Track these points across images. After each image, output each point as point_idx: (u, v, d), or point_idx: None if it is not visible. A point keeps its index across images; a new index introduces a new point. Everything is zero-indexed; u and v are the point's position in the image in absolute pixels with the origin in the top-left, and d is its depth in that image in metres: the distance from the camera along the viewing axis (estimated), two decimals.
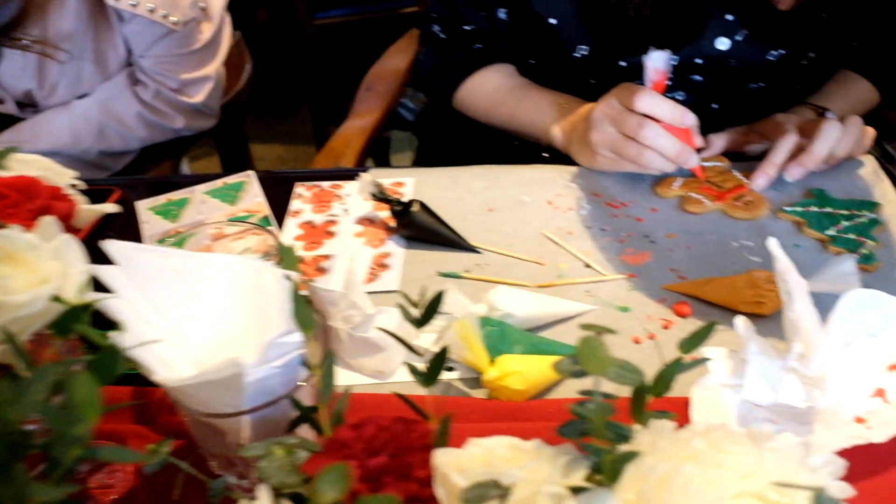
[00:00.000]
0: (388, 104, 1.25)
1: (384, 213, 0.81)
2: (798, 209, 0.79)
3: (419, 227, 0.78)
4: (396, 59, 1.37)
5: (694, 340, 0.49)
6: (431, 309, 0.49)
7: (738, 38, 0.88)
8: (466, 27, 1.01)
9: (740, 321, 0.54)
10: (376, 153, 1.84)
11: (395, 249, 0.78)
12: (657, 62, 0.77)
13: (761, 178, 0.82)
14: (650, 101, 0.77)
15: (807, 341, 0.53)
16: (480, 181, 0.87)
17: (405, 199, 0.82)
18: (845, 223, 0.76)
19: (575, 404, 0.40)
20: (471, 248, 0.77)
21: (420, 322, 0.49)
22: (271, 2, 2.74)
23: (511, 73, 1.04)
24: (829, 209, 0.78)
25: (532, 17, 0.93)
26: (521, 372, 0.59)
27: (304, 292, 0.70)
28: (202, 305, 0.52)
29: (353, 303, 0.64)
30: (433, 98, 1.13)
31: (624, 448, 0.42)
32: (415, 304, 0.49)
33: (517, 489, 0.35)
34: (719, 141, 0.88)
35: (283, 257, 0.54)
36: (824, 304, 0.57)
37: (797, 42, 0.88)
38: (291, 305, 0.49)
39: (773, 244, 0.52)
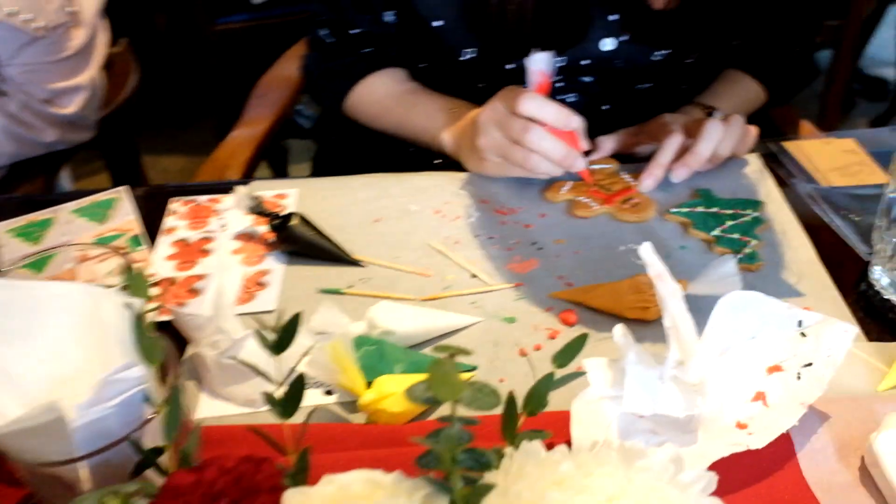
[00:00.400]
0: (279, 112, 1.20)
1: (264, 228, 0.77)
2: (684, 210, 0.78)
3: (299, 242, 0.74)
4: (290, 65, 1.32)
5: (566, 354, 0.47)
6: (288, 333, 0.45)
7: (623, 38, 0.87)
8: (353, 31, 0.97)
9: (618, 329, 0.53)
10: (274, 163, 1.79)
11: (275, 266, 0.74)
12: (539, 64, 0.76)
13: (648, 180, 0.81)
14: (534, 104, 0.75)
15: (685, 348, 0.52)
16: (367, 191, 0.84)
17: (287, 211, 0.78)
18: (730, 223, 0.76)
19: (429, 434, 0.38)
20: (354, 262, 0.74)
21: (277, 348, 0.46)
22: (170, 7, 2.64)
23: (402, 79, 1.01)
24: (714, 209, 0.78)
25: (417, 19, 0.90)
26: (399, 393, 0.56)
27: (166, 317, 0.65)
28: (34, 340, 0.47)
29: (219, 327, 0.59)
30: (323, 105, 1.09)
31: (489, 476, 0.39)
32: (271, 329, 0.46)
33: None
34: (608, 143, 0.87)
35: (130, 282, 0.50)
36: (710, 306, 0.56)
37: (680, 42, 0.88)
38: (134, 336, 0.45)
39: (644, 250, 0.51)
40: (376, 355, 0.59)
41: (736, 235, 0.74)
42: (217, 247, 0.77)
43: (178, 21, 2.62)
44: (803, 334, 0.56)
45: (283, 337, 0.44)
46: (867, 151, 0.88)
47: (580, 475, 0.38)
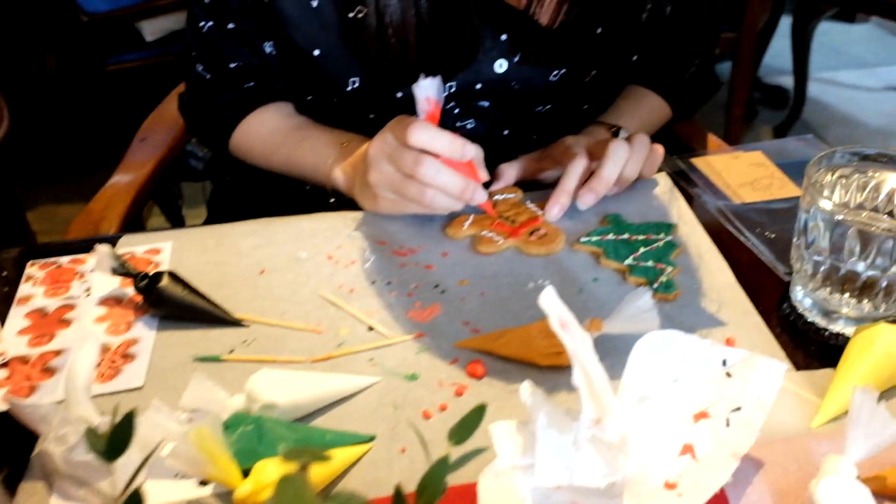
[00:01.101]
0: (163, 155, 1.11)
1: (132, 291, 0.68)
2: (594, 238, 0.73)
3: (170, 304, 0.65)
4: (175, 105, 1.23)
5: (463, 430, 0.40)
6: (121, 436, 0.37)
7: (516, 59, 0.82)
8: (232, 64, 0.90)
9: (525, 388, 0.46)
10: (167, 210, 1.68)
11: (144, 334, 0.65)
12: (427, 90, 0.70)
13: (554, 209, 0.76)
14: (425, 134, 0.69)
15: (600, 403, 0.46)
16: (251, 239, 0.76)
17: (160, 269, 0.70)
18: (643, 249, 0.71)
19: None
20: (235, 322, 0.66)
21: (109, 453, 0.37)
22: (60, 48, 2.49)
23: (289, 113, 0.93)
24: (626, 235, 0.73)
25: (296, 50, 0.83)
26: None
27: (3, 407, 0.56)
28: None
29: (65, 417, 0.50)
30: (207, 145, 1.01)
31: None
32: (101, 434, 0.38)
33: None
34: (510, 171, 0.82)
35: None
36: (627, 344, 0.50)
37: (575, 60, 0.83)
38: None
39: (543, 300, 0.45)
40: (255, 436, 0.51)
41: (650, 263, 0.69)
42: (79, 315, 0.68)
43: (68, 62, 2.48)
44: (729, 374, 0.51)
45: (114, 441, 0.36)
46: (775, 163, 0.85)
47: None
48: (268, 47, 0.88)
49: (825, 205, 0.59)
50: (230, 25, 0.86)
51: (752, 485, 0.49)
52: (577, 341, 0.45)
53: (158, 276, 0.66)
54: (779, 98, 2.78)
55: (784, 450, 0.51)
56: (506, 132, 0.90)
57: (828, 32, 3.13)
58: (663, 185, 0.82)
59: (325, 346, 0.63)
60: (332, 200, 0.85)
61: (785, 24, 2.70)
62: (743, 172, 0.82)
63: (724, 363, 0.52)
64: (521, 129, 0.90)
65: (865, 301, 0.61)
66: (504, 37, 0.81)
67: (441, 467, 0.38)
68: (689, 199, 0.80)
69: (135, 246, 0.75)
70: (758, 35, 2.21)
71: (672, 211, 0.78)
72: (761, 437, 0.49)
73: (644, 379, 0.51)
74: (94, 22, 2.07)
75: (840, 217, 0.58)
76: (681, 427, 0.50)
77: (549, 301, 0.45)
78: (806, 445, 0.52)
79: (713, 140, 1.00)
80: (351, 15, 0.79)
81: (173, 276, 0.66)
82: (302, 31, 0.81)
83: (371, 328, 0.65)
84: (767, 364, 0.50)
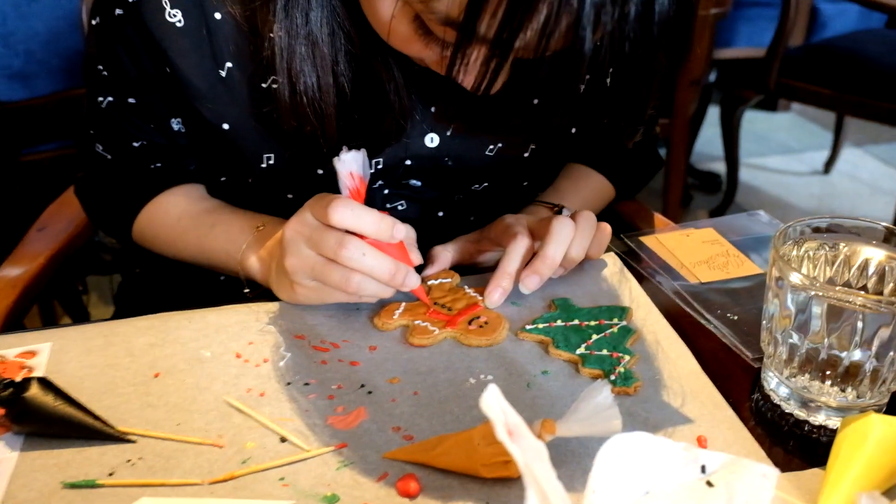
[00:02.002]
0: (61, 246, 1.00)
1: None
2: (541, 326, 0.65)
3: (38, 417, 0.54)
4: None
5: None
6: None
7: (448, 133, 0.76)
8: (135, 143, 0.81)
9: None
10: (69, 306, 1.55)
11: (4, 456, 0.53)
12: (350, 165, 0.62)
13: (495, 293, 0.68)
14: (348, 212, 0.61)
15: None
16: (145, 337, 0.65)
17: (35, 373, 0.59)
18: (595, 336, 0.63)
19: None
20: (119, 438, 0.55)
21: None
22: None
23: (200, 196, 0.84)
24: (575, 321, 0.65)
25: (205, 125, 0.75)
26: None
27: None
28: None
29: None
30: (107, 232, 0.91)
31: None
32: None
33: None
34: (446, 253, 0.74)
35: None
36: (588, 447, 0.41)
37: (512, 132, 0.77)
38: None
39: (486, 402, 0.36)
40: None
41: (605, 352, 0.61)
42: None
43: None
44: (710, 483, 0.43)
45: None
46: (728, 240, 0.79)
47: None
48: (175, 124, 0.79)
49: (795, 279, 0.52)
50: (131, 100, 0.78)
51: None
52: (528, 452, 0.36)
53: (25, 383, 0.55)
54: (712, 183, 2.82)
55: None
56: (440, 213, 0.83)
57: (753, 121, 3.24)
58: (612, 265, 0.75)
59: (226, 463, 0.53)
60: (246, 291, 0.76)
61: (713, 113, 2.77)
62: (696, 250, 0.76)
63: (704, 470, 0.43)
64: (456, 209, 0.83)
65: (849, 389, 0.54)
66: (433, 108, 0.74)
67: None
68: (641, 280, 0.73)
69: (7, 349, 0.64)
70: (689, 122, 2.24)
71: (624, 293, 0.71)
72: None
73: (611, 492, 0.42)
74: (8, 111, 1.98)
75: (818, 293, 0.52)
76: None
77: (493, 402, 0.36)
78: None
79: (660, 219, 0.95)
80: (264, 86, 0.72)
81: (44, 384, 0.55)
82: (209, 103, 0.73)
83: (284, 439, 0.54)
84: (755, 469, 0.42)
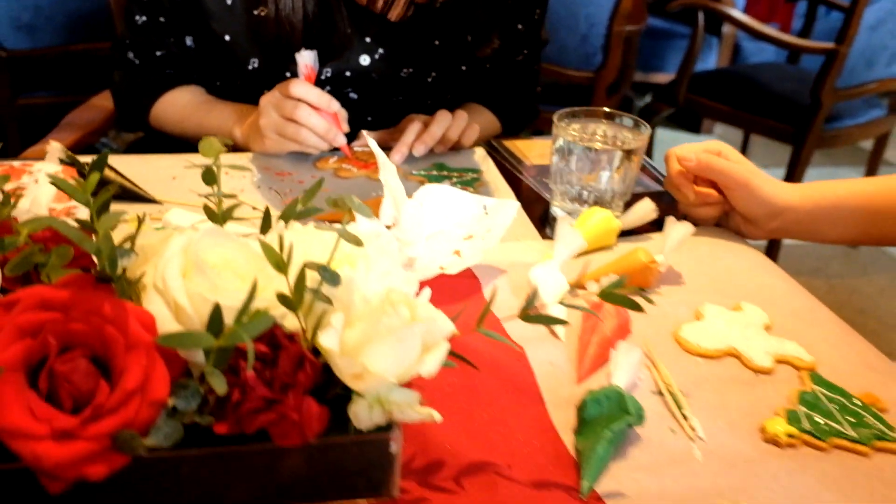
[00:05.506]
0: (82, 135, 1.34)
1: None
2: (423, 173, 1.02)
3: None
4: (104, 101, 1.46)
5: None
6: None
7: (376, 56, 1.13)
8: (158, 52, 1.16)
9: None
10: None
11: None
12: (306, 59, 0.98)
13: (396, 155, 1.04)
14: (302, 88, 0.97)
15: (398, 206, 0.73)
16: (166, 160, 1.01)
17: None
18: (455, 179, 1.00)
19: None
20: (154, 200, 0.90)
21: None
22: None
23: (200, 92, 1.20)
24: (445, 172, 1.02)
25: (213, 36, 1.11)
26: None
27: None
28: None
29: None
30: (131, 116, 1.24)
31: None
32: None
33: None
34: (370, 136, 1.10)
35: None
36: None
37: (419, 62, 1.15)
38: None
39: (371, 142, 0.73)
40: None
41: (458, 187, 0.98)
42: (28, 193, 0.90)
43: None
44: (486, 212, 0.80)
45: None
46: None
47: None
48: (188, 41, 1.15)
49: (566, 138, 0.90)
50: (161, 19, 1.13)
51: (495, 277, 0.77)
52: (386, 168, 0.73)
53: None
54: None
55: (518, 268, 0.80)
56: (369, 118, 1.20)
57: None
58: (479, 153, 1.12)
59: None
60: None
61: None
62: (536, 148, 1.14)
63: (485, 208, 0.80)
64: (379, 116, 1.20)
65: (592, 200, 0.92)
66: (368, 39, 1.12)
67: None
68: (498, 165, 1.10)
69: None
70: None
71: (483, 167, 1.08)
72: (505, 260, 0.77)
73: (431, 218, 0.78)
74: (13, 59, 2.22)
75: (577, 142, 0.90)
76: (454, 242, 0.78)
77: (372, 143, 0.72)
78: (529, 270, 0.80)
79: None
80: (256, 12, 1.08)
81: (108, 165, 0.90)
82: (217, 21, 1.09)
83: (256, 207, 0.90)
84: (508, 204, 0.79)
